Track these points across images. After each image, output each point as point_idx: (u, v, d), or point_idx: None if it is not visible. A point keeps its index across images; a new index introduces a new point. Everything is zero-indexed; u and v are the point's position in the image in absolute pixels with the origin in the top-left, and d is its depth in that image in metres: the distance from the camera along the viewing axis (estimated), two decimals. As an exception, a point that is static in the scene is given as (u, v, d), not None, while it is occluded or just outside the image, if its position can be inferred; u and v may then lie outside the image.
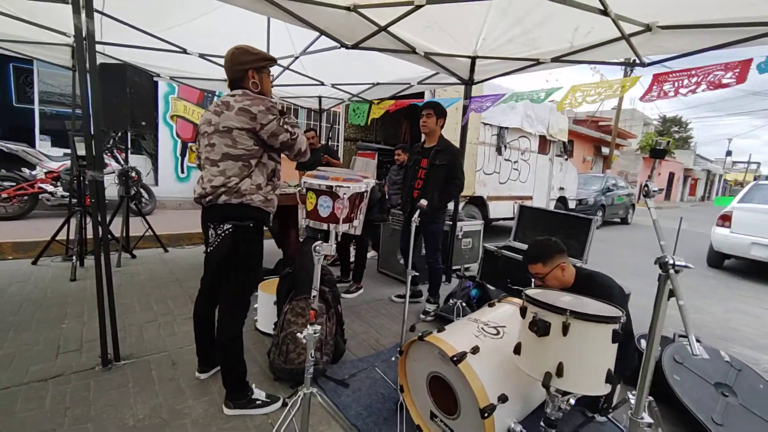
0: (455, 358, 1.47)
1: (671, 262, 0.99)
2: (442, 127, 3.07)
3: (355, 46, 3.03)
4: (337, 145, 8.62)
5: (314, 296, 1.46)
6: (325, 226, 1.25)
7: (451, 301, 2.81)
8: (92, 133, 2.05)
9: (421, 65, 3.66)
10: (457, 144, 4.13)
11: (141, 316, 2.87)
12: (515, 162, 6.64)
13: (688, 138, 37.53)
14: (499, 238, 6.88)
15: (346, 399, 2.03)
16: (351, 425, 1.84)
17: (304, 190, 1.27)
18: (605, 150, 18.23)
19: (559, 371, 1.24)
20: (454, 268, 4.37)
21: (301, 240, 4.19)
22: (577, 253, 3.50)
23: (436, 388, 1.69)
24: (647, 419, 1.08)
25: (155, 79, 4.81)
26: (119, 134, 6.15)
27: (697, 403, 2.02)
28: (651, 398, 1.60)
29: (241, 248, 1.76)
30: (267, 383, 2.14)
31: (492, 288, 3.42)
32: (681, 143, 35.10)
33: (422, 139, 3.22)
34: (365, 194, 1.33)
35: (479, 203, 6.22)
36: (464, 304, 2.80)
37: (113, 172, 5.68)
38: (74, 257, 3.77)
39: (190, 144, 7.39)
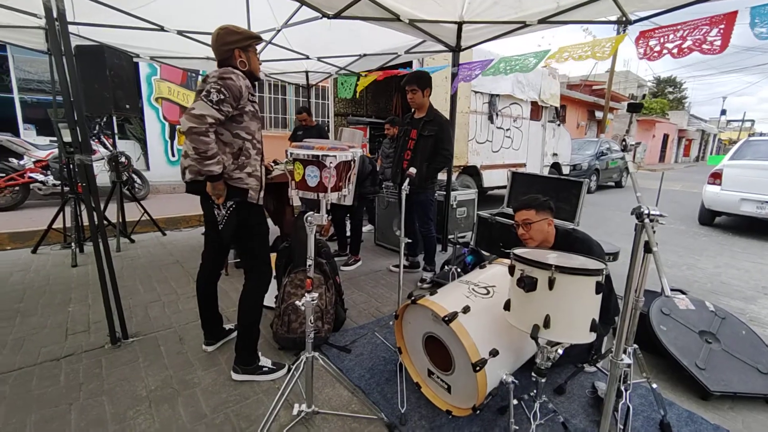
0: (447, 318, 1.54)
1: (646, 211, 1.03)
2: (429, 95, 3.04)
3: (337, 16, 2.95)
4: (328, 122, 8.51)
5: (309, 265, 1.51)
6: (314, 196, 1.28)
7: (446, 267, 2.89)
8: (75, 118, 2.03)
9: (407, 33, 3.58)
10: (447, 113, 4.11)
11: (145, 297, 2.94)
12: (507, 130, 6.61)
13: (682, 98, 37.18)
14: (494, 206, 6.94)
15: (348, 363, 2.13)
16: (354, 386, 1.94)
17: (291, 161, 1.29)
18: (599, 114, 18.08)
19: (546, 323, 1.31)
20: (449, 237, 4.45)
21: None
22: (569, 216, 3.56)
23: (431, 348, 1.77)
24: (626, 360, 1.16)
25: (135, 60, 4.69)
26: (104, 120, 6.06)
27: (681, 350, 2.13)
28: (636, 346, 1.70)
29: (250, 221, 1.83)
30: (272, 352, 2.23)
31: (486, 254, 3.50)
32: (675, 104, 34.79)
33: (413, 110, 3.20)
34: (353, 163, 1.36)
35: (473, 173, 6.23)
36: (459, 270, 2.88)
37: (102, 158, 5.63)
38: (73, 244, 3.80)
39: (178, 126, 7.27)
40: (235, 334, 2.28)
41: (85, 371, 2.00)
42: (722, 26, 2.19)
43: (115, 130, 5.66)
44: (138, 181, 6.24)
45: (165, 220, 5.27)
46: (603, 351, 2.01)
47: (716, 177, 5.91)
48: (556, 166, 8.27)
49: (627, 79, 26.88)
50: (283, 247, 2.54)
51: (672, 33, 2.30)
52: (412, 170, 1.96)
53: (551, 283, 1.30)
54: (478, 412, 1.58)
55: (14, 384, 1.89)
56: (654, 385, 1.75)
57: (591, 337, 1.34)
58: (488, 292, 1.76)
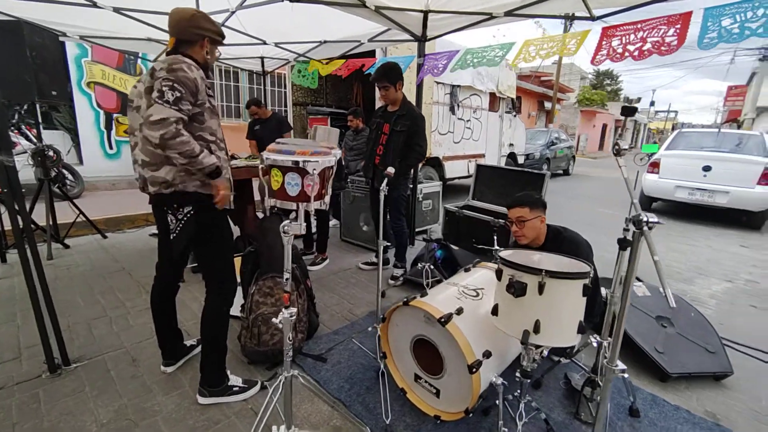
0: (443, 320, 1.49)
1: (645, 219, 1.02)
2: (402, 88, 2.95)
3: (300, -1, 2.74)
4: (286, 110, 8.12)
5: (287, 279, 1.38)
6: (294, 206, 1.15)
7: (419, 265, 2.85)
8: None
9: (372, 20, 3.43)
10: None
11: (87, 312, 2.62)
12: (468, 121, 6.69)
13: (618, 90, 40.08)
14: (457, 197, 7.04)
15: (326, 374, 2.03)
16: (334, 399, 1.84)
17: (265, 167, 1.15)
18: (548, 105, 18.98)
19: (536, 328, 1.29)
20: (417, 230, 4.43)
21: (258, 215, 3.99)
22: (532, 208, 3.67)
23: (420, 351, 1.73)
24: (621, 366, 1.17)
25: (61, 39, 4.12)
26: (25, 107, 5.33)
27: (642, 336, 2.26)
28: (610, 339, 1.76)
29: (208, 229, 1.62)
30: (241, 368, 2.07)
31: (455, 248, 3.51)
32: (612, 95, 37.44)
33: (385, 104, 3.09)
34: (334, 167, 1.24)
35: (435, 164, 6.26)
36: (432, 267, 2.85)
37: (25, 152, 4.95)
38: (-7, 255, 3.31)
39: (115, 115, 6.57)
40: (197, 350, 2.09)
41: (18, 408, 1.72)
42: (678, 26, 2.29)
43: (39, 119, 4.96)
44: (70, 177, 5.58)
45: (105, 221, 4.77)
46: (577, 345, 2.08)
47: (655, 166, 6.40)
48: (512, 156, 8.55)
49: (571, 71, 28.41)
50: (248, 251, 2.35)
51: (633, 33, 2.38)
52: (390, 170, 1.87)
53: (541, 288, 1.28)
54: (470, 414, 1.56)
55: (-74, 432, 1.59)
56: (625, 375, 1.83)
57: (578, 339, 1.35)
58: (478, 295, 1.74)
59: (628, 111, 1.31)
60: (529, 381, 1.52)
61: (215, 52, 1.70)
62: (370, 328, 2.26)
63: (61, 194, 4.36)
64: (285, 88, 7.83)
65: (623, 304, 1.13)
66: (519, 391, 1.60)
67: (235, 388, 1.81)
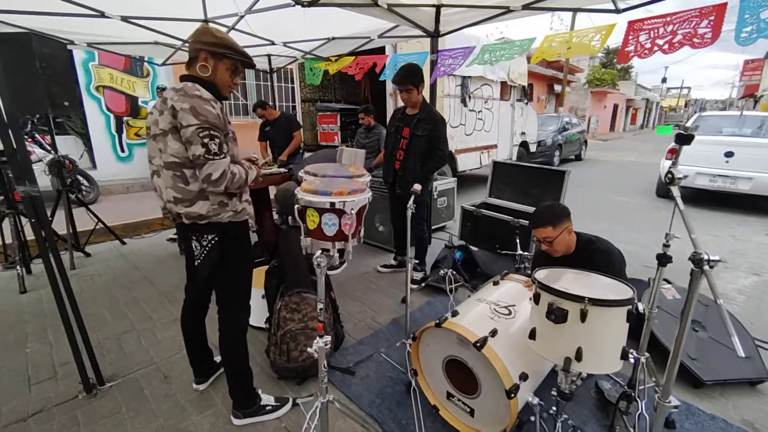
0: (478, 344, 1.47)
1: (706, 258, 0.97)
2: (423, 90, 2.88)
3: (313, 3, 2.66)
4: (294, 106, 8.04)
5: (320, 309, 1.36)
6: (331, 245, 1.12)
7: (441, 271, 2.82)
8: (8, 126, 1.67)
9: (383, 18, 3.33)
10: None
11: (115, 327, 2.66)
12: (479, 112, 6.55)
13: (629, 68, 38.93)
14: (470, 190, 6.96)
15: (356, 388, 2.03)
16: (366, 415, 1.85)
17: (301, 207, 1.12)
18: (557, 87, 18.54)
19: (578, 356, 1.26)
20: (433, 228, 4.40)
21: (275, 220, 3.99)
22: (551, 205, 3.60)
23: (452, 370, 1.71)
24: (674, 402, 1.14)
25: (69, 47, 4.09)
26: (37, 116, 5.35)
27: (672, 339, 2.22)
28: (648, 354, 1.73)
29: (231, 256, 1.61)
30: (271, 383, 2.08)
31: (475, 249, 3.48)
32: (623, 74, 36.39)
33: (404, 106, 3.01)
34: (368, 203, 1.21)
35: (448, 158, 6.16)
36: (455, 273, 2.83)
37: (40, 161, 5.00)
38: (17, 265, 3.36)
39: (125, 118, 6.57)
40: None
41: (60, 431, 1.76)
42: (712, 18, 2.18)
43: (52, 126, 4.98)
44: (85, 183, 5.63)
45: (123, 227, 4.82)
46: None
47: (674, 152, 6.20)
48: (524, 145, 8.39)
49: (580, 51, 27.58)
50: (272, 266, 2.35)
51: (662, 26, 2.26)
52: (417, 187, 1.83)
53: (584, 316, 1.24)
54: None
55: (-26, 459, 1.63)
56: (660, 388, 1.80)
57: (620, 365, 1.32)
58: (510, 313, 1.71)
59: (684, 139, 1.24)
60: (566, 402, 1.50)
61: (224, 67, 1.53)
62: (398, 344, 2.25)
63: (77, 201, 4.40)
64: (292, 83, 7.73)
65: (677, 346, 1.09)
66: (554, 408, 1.58)
67: (267, 407, 1.83)
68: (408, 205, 1.79)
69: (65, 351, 2.17)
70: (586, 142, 13.05)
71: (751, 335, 2.38)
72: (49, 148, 5.15)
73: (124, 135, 6.60)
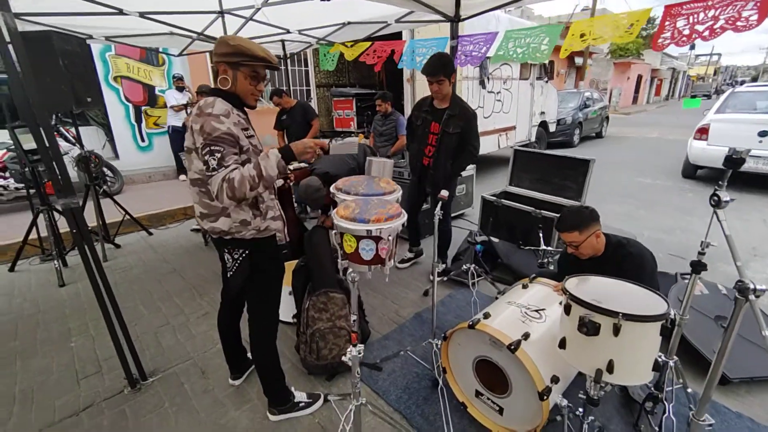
0: (512, 347, 1.50)
1: (752, 287, 0.96)
2: (454, 80, 2.75)
3: (331, -6, 2.60)
4: (309, 90, 7.96)
5: (354, 320, 1.40)
6: (366, 269, 1.15)
7: (464, 266, 2.84)
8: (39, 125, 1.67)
9: (400, 4, 3.23)
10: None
11: (151, 321, 2.79)
12: (498, 93, 6.37)
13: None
14: (488, 175, 6.86)
15: (383, 383, 2.11)
16: (394, 410, 1.93)
17: (339, 234, 1.14)
18: (578, 60, 17.76)
19: (610, 368, 1.28)
20: (453, 215, 4.38)
21: (295, 210, 4.03)
22: (575, 195, 3.54)
23: (482, 370, 1.76)
24: (709, 420, 1.15)
25: (87, 41, 4.11)
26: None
27: (699, 338, 2.21)
28: (677, 358, 1.73)
29: (260, 269, 1.65)
30: (302, 378, 2.18)
31: (496, 240, 3.47)
32: (648, 41, 34.47)
33: (431, 98, 2.89)
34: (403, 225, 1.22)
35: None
36: (477, 268, 2.84)
37: (66, 154, 5.13)
38: (54, 260, 3.52)
39: (143, 107, 6.64)
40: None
41: (110, 426, 1.89)
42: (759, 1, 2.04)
43: (76, 120, 5.08)
44: (109, 173, 5.77)
45: (148, 218, 4.96)
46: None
47: (703, 132, 5.97)
48: (543, 125, 8.16)
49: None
50: (299, 266, 2.40)
51: (703, 11, 2.13)
52: (444, 194, 1.81)
53: (617, 330, 1.25)
54: None
55: (37, 450, 1.78)
56: (689, 390, 1.82)
57: (651, 376, 1.33)
58: (541, 317, 1.73)
59: (733, 163, 1.19)
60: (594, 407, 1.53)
61: (243, 76, 1.50)
62: (424, 343, 2.30)
63: (103, 192, 4.51)
64: (306, 66, 7.63)
65: (716, 369, 1.09)
66: (581, 410, 1.61)
67: (301, 404, 1.92)
68: (435, 212, 1.79)
69: (107, 345, 2.30)
70: (607, 118, 12.58)
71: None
72: (73, 141, 5.27)
73: (143, 124, 6.69)
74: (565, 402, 1.59)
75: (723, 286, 2.54)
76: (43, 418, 1.95)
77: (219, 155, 1.38)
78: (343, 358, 1.44)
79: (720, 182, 1.26)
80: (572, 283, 1.48)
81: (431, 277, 3.24)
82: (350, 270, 1.29)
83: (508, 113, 6.76)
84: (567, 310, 1.41)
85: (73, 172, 4.99)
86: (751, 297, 0.98)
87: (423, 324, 2.64)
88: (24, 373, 2.29)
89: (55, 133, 5.33)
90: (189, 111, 5.60)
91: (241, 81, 1.52)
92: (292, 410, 1.90)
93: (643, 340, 1.27)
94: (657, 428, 1.76)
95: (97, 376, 2.24)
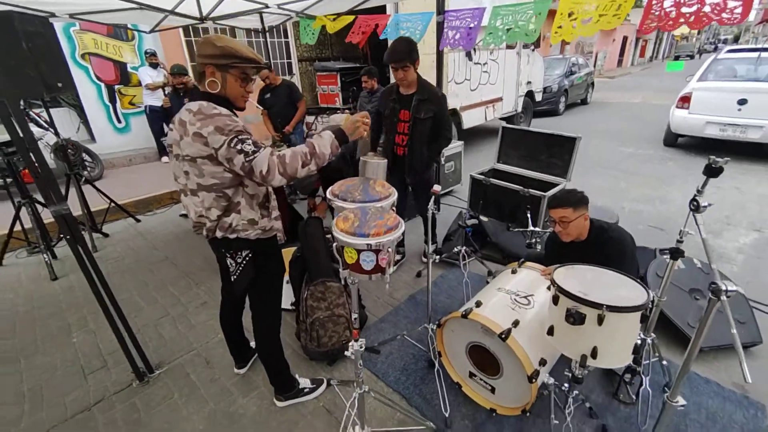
0: (503, 335, 1.62)
1: (724, 288, 1.05)
2: (418, 67, 2.65)
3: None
4: (290, 63, 7.65)
5: (355, 318, 1.47)
6: (367, 278, 1.19)
7: (456, 248, 2.92)
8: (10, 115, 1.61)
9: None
10: (434, 74, 3.79)
11: (150, 313, 2.83)
12: (485, 64, 6.26)
13: (641, -7, 36.12)
14: (475, 149, 6.87)
15: (381, 366, 2.23)
16: (393, 391, 2.06)
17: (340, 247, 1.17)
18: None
19: (594, 354, 1.39)
20: (441, 193, 4.44)
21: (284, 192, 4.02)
22: (561, 172, 3.62)
23: (476, 354, 1.88)
24: (681, 402, 1.28)
25: (51, 20, 3.84)
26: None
27: (675, 310, 2.38)
28: (654, 335, 1.88)
29: (263, 270, 1.69)
30: (305, 364, 2.28)
31: (485, 219, 3.56)
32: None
33: (396, 85, 2.79)
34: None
35: (453, 115, 6.02)
36: (468, 249, 2.94)
37: (40, 139, 4.91)
38: (43, 253, 3.47)
39: (117, 86, 6.31)
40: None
41: (123, 419, 1.98)
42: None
43: (46, 104, 4.82)
44: (88, 159, 5.57)
45: (134, 204, 4.87)
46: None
47: (685, 101, 6.06)
48: (529, 94, 8.11)
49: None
50: (295, 256, 2.44)
51: (689, -9, 2.12)
52: (437, 188, 1.85)
53: (600, 320, 1.35)
54: (528, 414, 1.74)
55: (55, 447, 1.86)
56: (664, 362, 1.99)
57: (632, 358, 1.46)
58: (529, 303, 1.84)
59: (713, 172, 1.25)
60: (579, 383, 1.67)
61: (234, 79, 1.47)
62: (420, 328, 2.41)
63: (84, 179, 4.35)
64: (287, 37, 7.29)
65: (687, 363, 1.20)
66: (567, 385, 1.76)
67: (306, 390, 2.03)
68: (429, 206, 1.83)
69: (109, 339, 2.34)
70: (592, 84, 12.55)
71: (747, 298, 2.54)
72: (46, 126, 5.04)
73: (118, 105, 6.39)
74: (551, 380, 1.73)
75: (698, 260, 2.70)
76: (55, 415, 2.01)
77: (251, 141, 1.38)
78: (347, 353, 1.52)
79: (700, 189, 1.33)
80: (560, 274, 1.57)
81: (423, 259, 3.35)
82: (351, 280, 1.33)
83: (495, 84, 6.69)
84: (555, 300, 1.50)
85: (50, 160, 4.81)
86: (723, 298, 1.07)
87: (417, 306, 2.76)
88: (29, 370, 2.33)
89: (26, 118, 5.08)
90: (166, 92, 5.36)
91: (231, 83, 1.49)
92: (297, 396, 2.00)
93: (625, 328, 1.38)
94: (634, 397, 1.94)
95: (104, 371, 2.30)
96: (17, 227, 3.67)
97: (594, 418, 1.87)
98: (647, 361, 1.93)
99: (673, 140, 6.64)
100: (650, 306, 1.39)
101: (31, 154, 1.71)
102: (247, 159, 1.36)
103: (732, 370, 2.17)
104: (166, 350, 2.44)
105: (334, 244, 1.19)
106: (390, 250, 1.13)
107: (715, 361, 2.23)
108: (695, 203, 1.28)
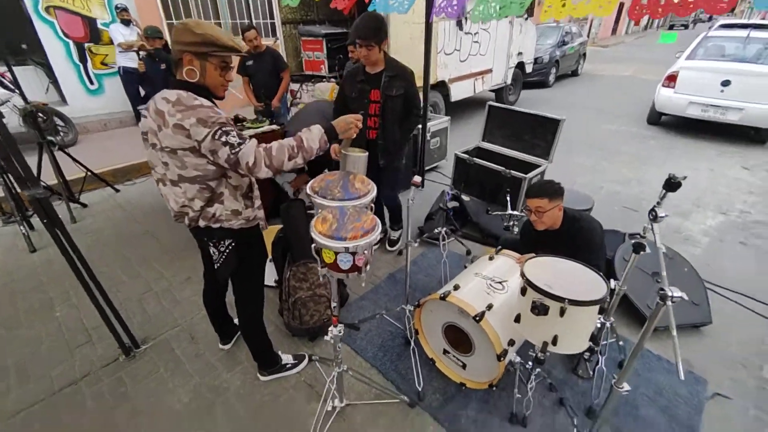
0: (477, 317, 1.73)
1: (670, 294, 1.14)
2: (384, 46, 2.49)
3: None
4: (273, 23, 7.26)
5: (334, 306, 1.54)
6: (345, 276, 1.25)
7: (436, 229, 2.98)
8: None
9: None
10: (421, 47, 3.68)
11: (133, 288, 2.86)
12: (476, 34, 6.08)
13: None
14: (462, 122, 6.80)
15: (360, 342, 2.35)
16: (371, 366, 2.19)
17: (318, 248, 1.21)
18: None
19: (554, 341, 1.51)
20: (427, 168, 4.46)
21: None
22: (543, 152, 3.68)
23: (450, 333, 2.01)
24: (627, 387, 1.41)
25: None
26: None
27: (637, 293, 2.54)
28: (613, 319, 2.02)
29: (247, 258, 1.72)
30: (287, 340, 2.38)
31: (466, 199, 3.63)
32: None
33: (360, 63, 2.61)
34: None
35: (441, 86, 5.92)
36: (448, 230, 3.01)
37: (6, 102, 4.66)
38: (19, 225, 3.40)
39: (87, 44, 5.92)
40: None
41: (111, 392, 2.06)
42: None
43: (10, 63, 4.51)
44: (60, 123, 5.32)
45: (113, 172, 4.74)
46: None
47: (671, 80, 6.07)
48: (520, 66, 7.97)
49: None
50: (277, 237, 2.47)
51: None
52: (417, 179, 1.87)
53: (562, 312, 1.45)
54: (494, 388, 1.90)
55: (44, 419, 1.93)
56: (621, 343, 2.16)
57: (588, 345, 1.59)
58: (503, 288, 1.95)
59: (671, 186, 1.30)
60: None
61: (213, 67, 1.43)
62: (398, 309, 2.50)
63: (56, 144, 4.17)
64: (269, -4, 6.87)
65: (634, 354, 1.31)
66: (530, 363, 1.91)
67: (288, 365, 2.14)
68: (410, 197, 1.85)
69: (93, 315, 2.35)
70: (584, 54, 12.36)
71: (704, 280, 2.72)
72: (11, 86, 4.75)
73: (89, 64, 6.01)
74: (518, 359, 1.87)
75: (663, 245, 2.84)
76: (43, 388, 2.08)
77: (234, 132, 1.37)
78: (326, 337, 1.60)
79: (658, 201, 1.40)
80: (530, 266, 1.66)
81: (389, 248, 3.32)
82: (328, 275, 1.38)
83: (485, 55, 6.54)
84: (523, 291, 1.60)
85: (13, 119, 4.57)
86: (668, 303, 1.17)
87: (396, 284, 2.86)
88: (13, 344, 2.37)
89: (-12, 78, 4.77)
90: (141, 56, 5.06)
91: (210, 72, 1.44)
92: (280, 371, 2.11)
93: (584, 319, 1.49)
94: (592, 373, 2.12)
95: (89, 345, 2.36)
96: (-10, 196, 3.57)
97: (553, 391, 2.04)
98: (605, 342, 2.09)
99: (656, 119, 6.71)
100: (608, 299, 1.49)
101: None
102: (233, 151, 1.35)
103: (682, 348, 2.34)
104: (150, 326, 2.50)
105: (313, 245, 1.23)
106: (366, 252, 1.18)
107: (668, 339, 2.42)
108: (653, 213, 1.35)
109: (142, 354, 2.29)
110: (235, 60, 4.68)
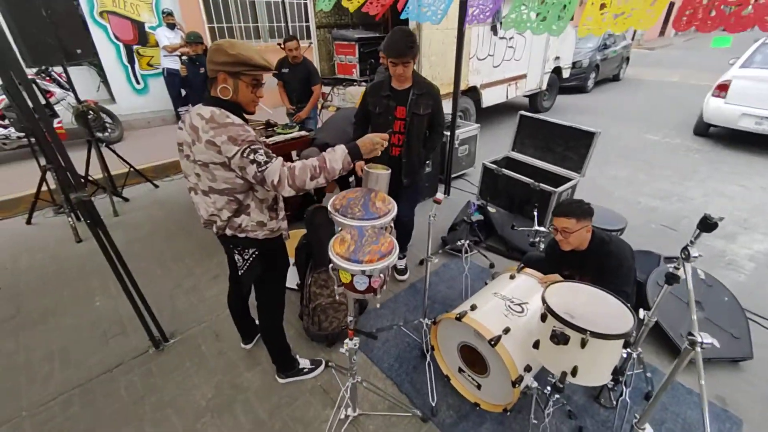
0: (492, 341, 1.70)
1: (700, 341, 1.08)
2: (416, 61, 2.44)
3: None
4: (308, 26, 7.42)
5: (351, 320, 1.57)
6: (361, 296, 1.27)
7: (459, 242, 2.96)
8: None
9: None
10: (453, 52, 3.65)
11: (165, 282, 3.01)
12: (510, 38, 5.94)
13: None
14: (492, 129, 6.67)
15: (377, 352, 2.37)
16: (386, 377, 2.21)
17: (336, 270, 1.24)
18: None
19: (574, 372, 1.46)
20: (453, 176, 4.42)
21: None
22: (575, 166, 3.55)
23: (466, 352, 1.99)
24: (649, 430, 1.35)
25: (69, -21, 3.80)
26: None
27: (670, 321, 2.41)
28: (641, 350, 1.93)
29: (269, 266, 1.79)
30: (306, 345, 2.44)
31: (492, 210, 3.56)
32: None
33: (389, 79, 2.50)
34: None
35: (472, 92, 5.83)
36: (471, 244, 2.98)
37: (63, 99, 5.02)
38: (68, 216, 3.66)
39: (135, 47, 6.28)
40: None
41: (141, 382, 2.19)
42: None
43: (65, 64, 4.85)
44: (108, 120, 5.68)
45: (153, 169, 5.01)
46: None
47: (722, 89, 5.69)
48: (557, 71, 7.71)
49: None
50: (301, 243, 2.54)
51: (733, -6, 1.96)
52: (440, 196, 1.86)
53: (583, 344, 1.41)
54: (508, 413, 1.86)
55: (82, 403, 2.08)
56: (648, 374, 2.06)
57: (610, 378, 1.53)
58: (522, 311, 1.90)
59: (707, 227, 1.22)
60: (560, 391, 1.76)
61: (245, 85, 1.50)
62: (416, 321, 2.51)
63: (103, 140, 4.43)
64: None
65: (658, 395, 1.25)
66: (549, 388, 1.86)
67: (305, 369, 2.19)
68: (430, 213, 1.85)
69: (128, 306, 2.51)
70: (627, 58, 11.78)
71: (745, 310, 2.54)
72: (66, 86, 5.11)
73: (136, 65, 6.39)
74: (535, 384, 1.83)
75: (702, 272, 2.68)
76: (81, 374, 2.24)
77: (263, 151, 1.44)
78: (341, 350, 1.63)
79: (691, 240, 1.32)
80: (552, 292, 1.61)
81: (397, 277, 3.17)
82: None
83: (519, 60, 6.38)
84: (543, 318, 1.56)
85: (67, 116, 4.91)
86: (697, 349, 1.11)
87: (417, 294, 2.86)
88: (58, 331, 2.57)
89: (47, 78, 5.16)
90: (183, 60, 5.31)
91: (242, 90, 1.52)
92: (297, 375, 2.17)
93: (606, 352, 1.44)
94: (615, 402, 2.03)
95: (123, 337, 2.51)
96: (43, 188, 3.87)
97: (573, 419, 1.97)
98: (630, 372, 2.00)
99: (704, 130, 6.31)
100: (634, 333, 1.43)
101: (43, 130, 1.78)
102: (260, 169, 1.41)
103: (716, 382, 2.22)
104: (179, 321, 2.63)
105: (330, 266, 1.26)
106: (382, 275, 1.19)
107: (704, 372, 2.28)
108: (686, 252, 1.27)
109: (170, 348, 2.42)
110: (271, 54, 4.83)
